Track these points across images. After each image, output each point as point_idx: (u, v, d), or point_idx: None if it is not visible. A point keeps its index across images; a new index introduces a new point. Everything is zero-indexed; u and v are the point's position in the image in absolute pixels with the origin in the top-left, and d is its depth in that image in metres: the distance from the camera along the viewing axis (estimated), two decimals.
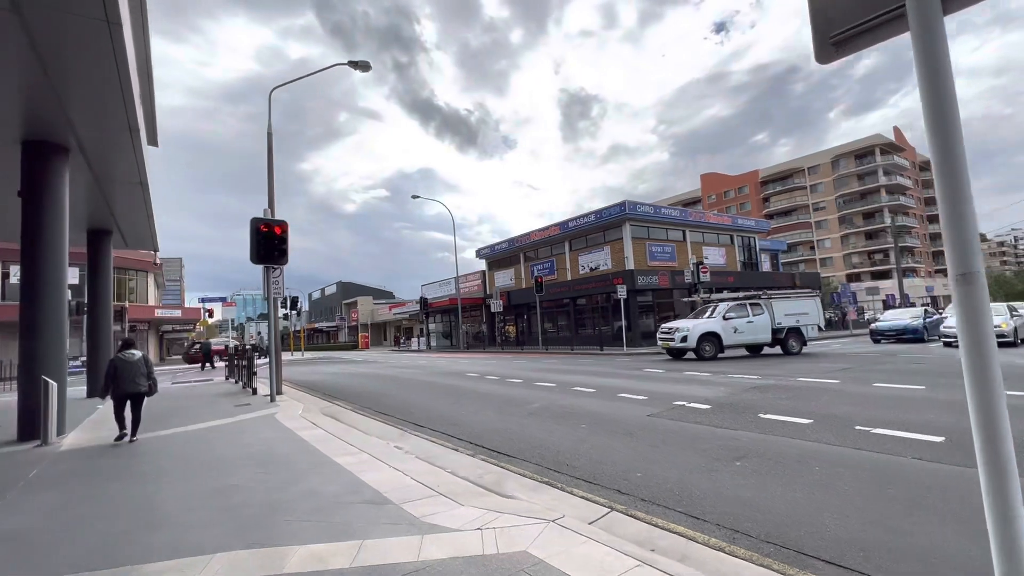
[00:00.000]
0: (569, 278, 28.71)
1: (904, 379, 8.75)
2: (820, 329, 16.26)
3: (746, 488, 3.89)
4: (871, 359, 13.03)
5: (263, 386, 12.57)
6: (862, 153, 68.15)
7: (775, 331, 16.02)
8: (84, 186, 9.66)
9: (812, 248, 73.75)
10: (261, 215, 10.61)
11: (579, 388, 9.67)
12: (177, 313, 37.37)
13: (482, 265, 37.36)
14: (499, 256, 35.12)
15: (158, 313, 35.01)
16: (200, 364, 25.56)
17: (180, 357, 39.48)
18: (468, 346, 33.94)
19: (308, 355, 38.12)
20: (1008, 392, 6.74)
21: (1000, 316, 18.72)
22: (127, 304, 30.46)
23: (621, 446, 5.32)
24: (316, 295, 79.42)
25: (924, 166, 75.96)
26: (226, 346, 25.35)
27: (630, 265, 24.68)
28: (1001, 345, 17.41)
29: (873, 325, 20.85)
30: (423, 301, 36.51)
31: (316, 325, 71.36)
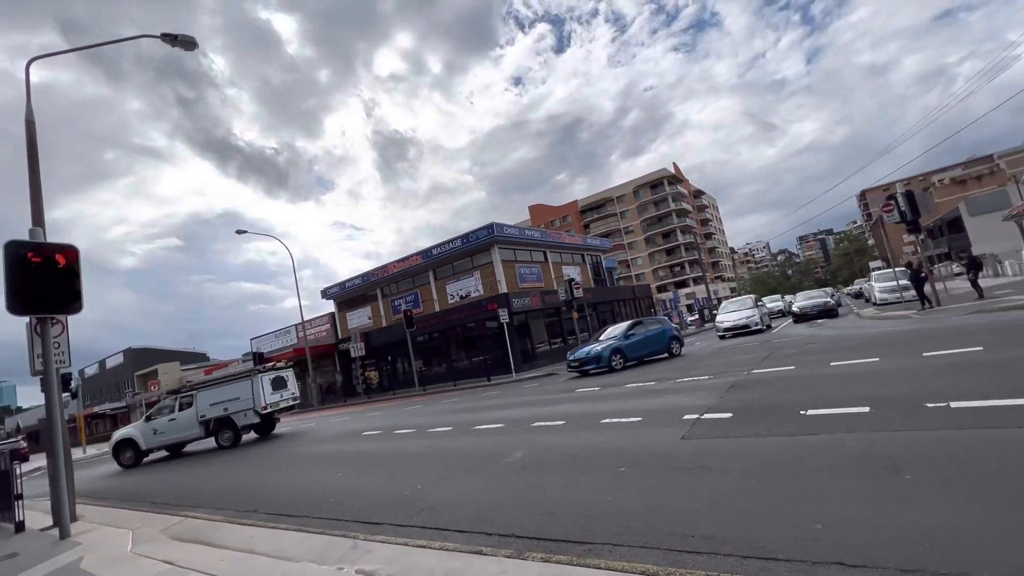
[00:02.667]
0: (437, 309, 26.70)
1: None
2: (258, 412, 13.94)
3: (1005, 516, 2.77)
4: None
5: (37, 514, 7.92)
6: (655, 183, 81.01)
7: (203, 423, 14.22)
8: None
9: (628, 266, 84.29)
10: (27, 238, 6.66)
11: (541, 423, 7.96)
12: None
13: (330, 307, 32.88)
14: (351, 295, 31.26)
15: None
16: None
17: None
18: (323, 401, 29.05)
19: (93, 450, 28.41)
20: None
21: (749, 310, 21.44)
22: None
23: (720, 488, 3.86)
24: (92, 370, 61.66)
25: (696, 194, 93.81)
26: None
27: (503, 288, 23.88)
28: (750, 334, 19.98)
29: (569, 354, 16.79)
30: (257, 356, 30.30)
31: (96, 409, 54.89)
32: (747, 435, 5.04)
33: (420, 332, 24.96)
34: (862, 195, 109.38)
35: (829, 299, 22.04)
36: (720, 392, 7.56)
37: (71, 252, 6.79)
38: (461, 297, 25.86)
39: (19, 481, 7.47)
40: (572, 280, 22.50)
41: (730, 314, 20.97)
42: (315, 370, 29.37)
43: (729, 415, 5.92)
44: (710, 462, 4.46)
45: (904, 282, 21.28)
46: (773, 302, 31.00)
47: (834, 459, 3.93)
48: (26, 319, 7.69)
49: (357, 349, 25.19)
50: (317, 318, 32.43)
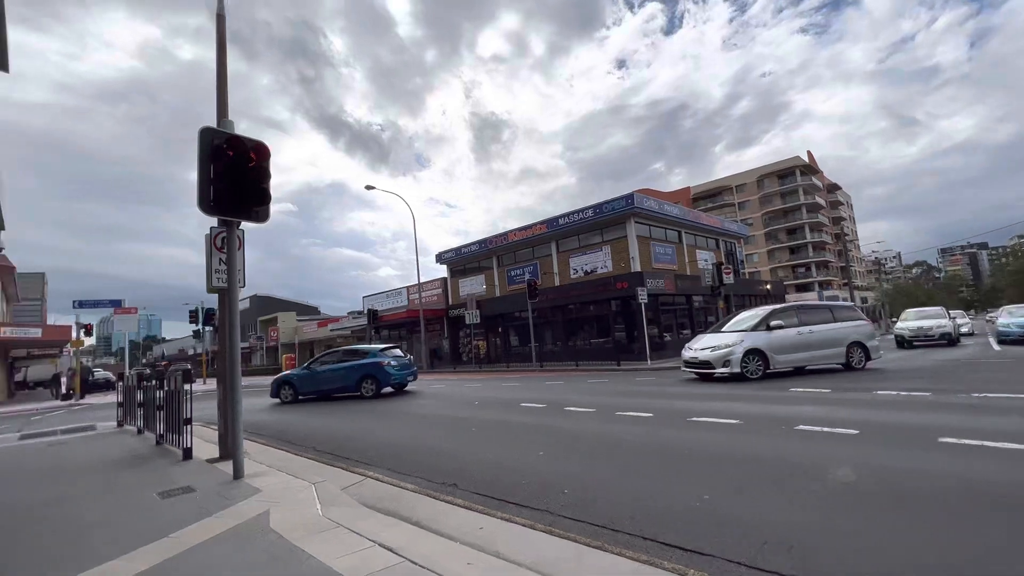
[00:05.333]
0: (557, 283, 25.08)
1: None
2: None
3: None
4: None
5: (203, 445, 7.37)
6: (784, 173, 72.68)
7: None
8: None
9: (742, 263, 77.07)
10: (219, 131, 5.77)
11: (810, 427, 5.87)
12: (36, 333, 28.26)
13: (442, 272, 32.65)
14: (465, 260, 30.67)
15: (6, 332, 26.06)
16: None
17: (44, 390, 30.27)
18: (432, 366, 28.90)
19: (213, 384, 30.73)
20: None
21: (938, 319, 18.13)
22: None
23: None
24: None
25: (831, 188, 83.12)
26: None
27: (637, 267, 21.59)
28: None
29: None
30: (372, 314, 30.91)
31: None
32: None
33: (537, 306, 23.47)
34: None
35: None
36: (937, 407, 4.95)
37: (263, 149, 5.80)
38: (586, 272, 23.95)
39: (189, 404, 6.88)
40: (721, 264, 19.65)
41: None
42: (427, 333, 29.26)
43: None
44: None
45: None
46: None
47: None
48: (205, 233, 7.01)
49: (472, 316, 24.36)
50: (429, 282, 32.32)
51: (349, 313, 47.20)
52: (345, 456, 6.58)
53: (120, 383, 13.85)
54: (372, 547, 3.43)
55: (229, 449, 6.53)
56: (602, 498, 4.08)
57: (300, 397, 14.38)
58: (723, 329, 12.51)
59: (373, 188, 26.43)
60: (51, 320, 50.28)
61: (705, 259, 25.69)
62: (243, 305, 63.26)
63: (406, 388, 15.04)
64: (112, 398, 23.03)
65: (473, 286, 29.64)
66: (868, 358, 11.71)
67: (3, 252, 11.06)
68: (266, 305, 59.33)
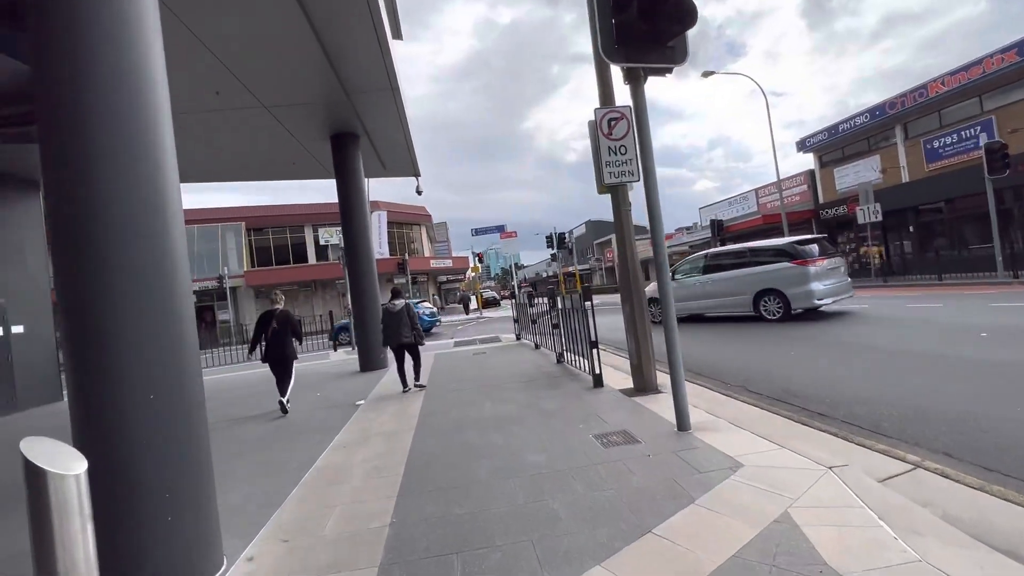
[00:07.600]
0: None
1: None
2: None
3: None
4: None
5: (612, 373, 6.56)
6: None
7: None
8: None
9: None
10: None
11: None
12: (448, 263, 37.78)
13: (808, 164, 25.78)
14: (845, 141, 22.97)
15: (433, 264, 35.46)
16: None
17: (457, 307, 40.50)
18: None
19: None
20: None
21: None
22: (407, 257, 30.73)
23: None
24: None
25: None
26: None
27: None
28: None
29: None
30: (717, 224, 27.45)
31: (568, 269, 69.28)
32: None
33: (1002, 184, 14.91)
34: None
35: None
36: None
37: None
38: None
39: (594, 325, 6.03)
40: None
41: None
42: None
43: None
44: None
45: None
46: None
47: None
48: (589, 121, 5.70)
49: (869, 213, 17.91)
50: (788, 179, 25.94)
51: (678, 229, 44.87)
52: (799, 406, 4.43)
53: (511, 300, 15.91)
54: None
55: (647, 381, 5.34)
56: None
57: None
58: None
59: (712, 73, 22.15)
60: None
61: None
62: (580, 231, 69.32)
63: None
64: (499, 312, 28.71)
65: (860, 173, 21.95)
66: (789, 308, 9.61)
67: (421, 195, 13.36)
68: (599, 229, 62.92)
